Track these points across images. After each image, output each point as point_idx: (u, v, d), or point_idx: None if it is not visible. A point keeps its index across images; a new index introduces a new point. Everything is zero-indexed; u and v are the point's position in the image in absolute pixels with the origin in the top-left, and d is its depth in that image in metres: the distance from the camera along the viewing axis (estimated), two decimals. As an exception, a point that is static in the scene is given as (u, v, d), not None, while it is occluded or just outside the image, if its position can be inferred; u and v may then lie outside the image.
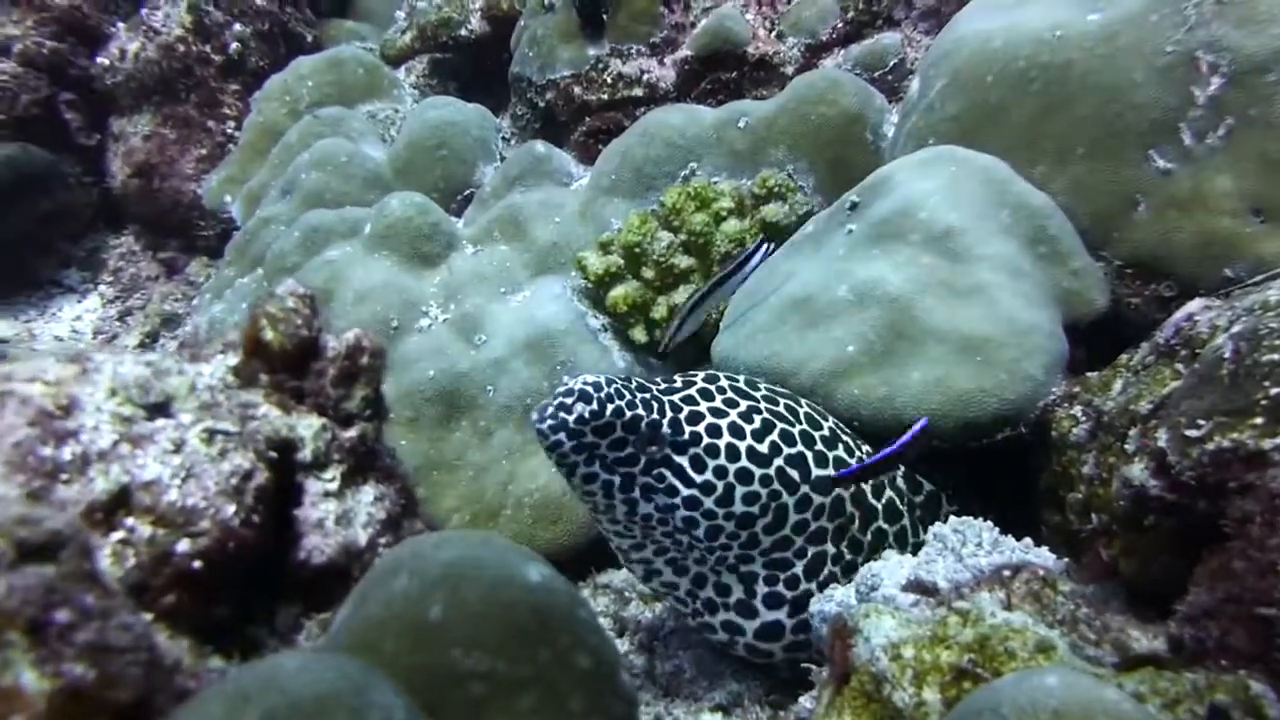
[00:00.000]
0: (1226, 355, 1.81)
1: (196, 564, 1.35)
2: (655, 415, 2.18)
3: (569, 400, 2.09)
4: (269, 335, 1.52)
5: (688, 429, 2.21)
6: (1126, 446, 2.07)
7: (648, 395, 2.20)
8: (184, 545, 1.34)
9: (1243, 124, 2.55)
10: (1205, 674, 1.43)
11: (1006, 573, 1.80)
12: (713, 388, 2.35)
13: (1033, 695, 1.15)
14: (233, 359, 1.53)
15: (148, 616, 1.30)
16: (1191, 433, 1.77)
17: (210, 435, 1.40)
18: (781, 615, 2.35)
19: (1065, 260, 2.66)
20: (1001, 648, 1.61)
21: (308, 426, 1.52)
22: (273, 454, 1.47)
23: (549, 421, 2.08)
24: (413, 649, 1.07)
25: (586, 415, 2.07)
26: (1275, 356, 1.69)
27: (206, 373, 1.49)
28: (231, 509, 1.38)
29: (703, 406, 2.28)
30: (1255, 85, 2.53)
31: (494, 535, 1.17)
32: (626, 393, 2.15)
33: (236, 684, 0.91)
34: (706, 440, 2.22)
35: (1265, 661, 1.45)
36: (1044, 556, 2.04)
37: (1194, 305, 2.19)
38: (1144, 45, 2.70)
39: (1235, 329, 1.88)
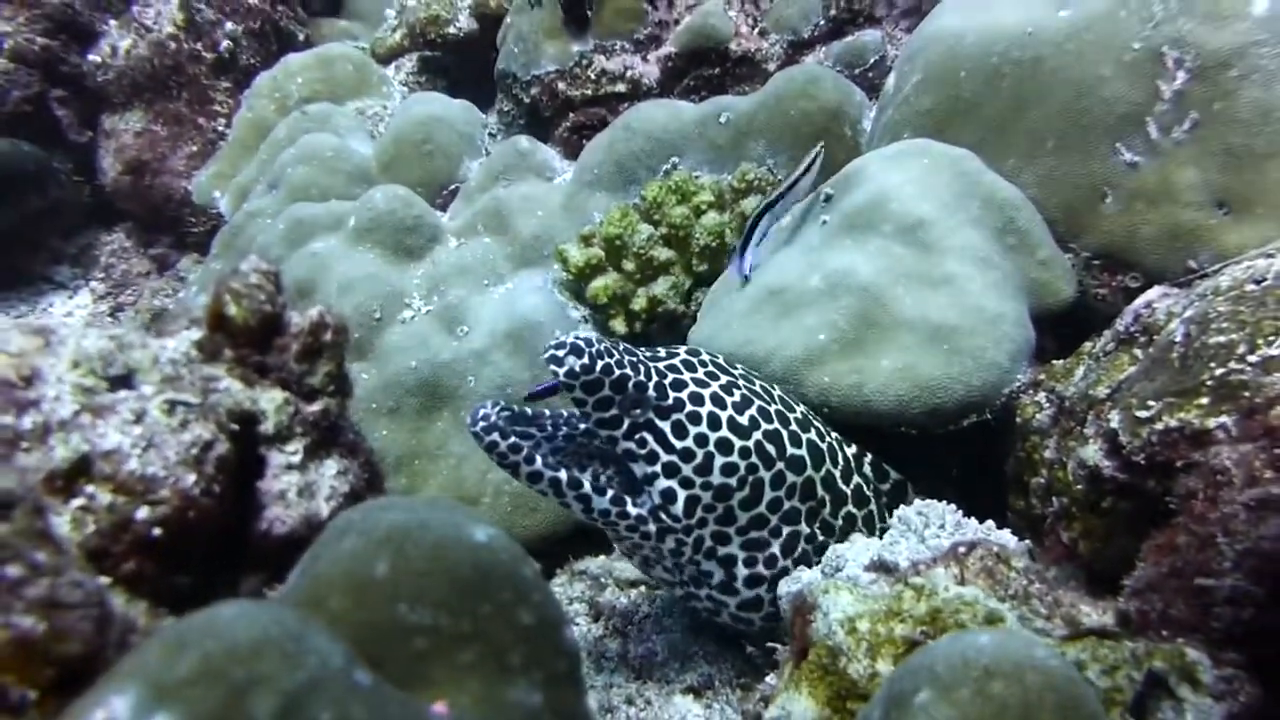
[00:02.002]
0: (1177, 339, 1.85)
1: (156, 531, 1.37)
2: (641, 377, 2.20)
3: (560, 353, 2.10)
4: (232, 310, 1.55)
5: (672, 395, 2.24)
6: (1085, 431, 2.10)
7: (634, 359, 2.23)
8: (144, 513, 1.37)
9: (1206, 118, 2.58)
10: (1144, 643, 1.46)
11: (962, 549, 1.83)
12: (695, 360, 2.39)
13: (965, 653, 1.18)
14: (196, 333, 1.56)
15: (107, 581, 1.33)
16: (1142, 413, 1.80)
17: (171, 406, 1.43)
18: (761, 591, 2.38)
19: (1033, 251, 2.69)
20: (953, 620, 1.64)
21: (270, 400, 1.55)
22: (234, 426, 1.49)
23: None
24: (358, 604, 1.10)
25: (577, 369, 2.09)
26: (1222, 339, 1.73)
27: (170, 346, 1.52)
28: (192, 478, 1.41)
29: (686, 376, 2.30)
30: (1218, 80, 2.57)
31: (442, 498, 1.20)
32: (615, 352, 2.18)
33: (175, 631, 0.94)
34: (690, 407, 2.24)
35: (1203, 630, 1.48)
36: (1003, 537, 2.08)
37: (1153, 293, 2.23)
38: (1112, 41, 2.73)
39: (1187, 313, 1.92)
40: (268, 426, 1.53)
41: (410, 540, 1.14)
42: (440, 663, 1.09)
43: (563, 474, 2.16)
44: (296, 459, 1.55)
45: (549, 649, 1.14)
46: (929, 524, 2.16)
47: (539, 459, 2.14)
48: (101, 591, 1.14)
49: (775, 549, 2.37)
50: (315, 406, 1.59)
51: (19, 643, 1.01)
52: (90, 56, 5.47)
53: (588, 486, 2.19)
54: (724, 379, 2.36)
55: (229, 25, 5.46)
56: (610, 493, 2.21)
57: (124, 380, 1.45)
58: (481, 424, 2.12)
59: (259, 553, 1.52)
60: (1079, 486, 2.03)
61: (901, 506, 2.22)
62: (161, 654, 0.93)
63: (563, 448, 2.33)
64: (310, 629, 0.97)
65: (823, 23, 4.05)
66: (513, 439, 2.13)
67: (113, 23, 5.52)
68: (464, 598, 1.10)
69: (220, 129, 5.44)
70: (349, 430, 1.68)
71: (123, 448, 1.38)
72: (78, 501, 1.34)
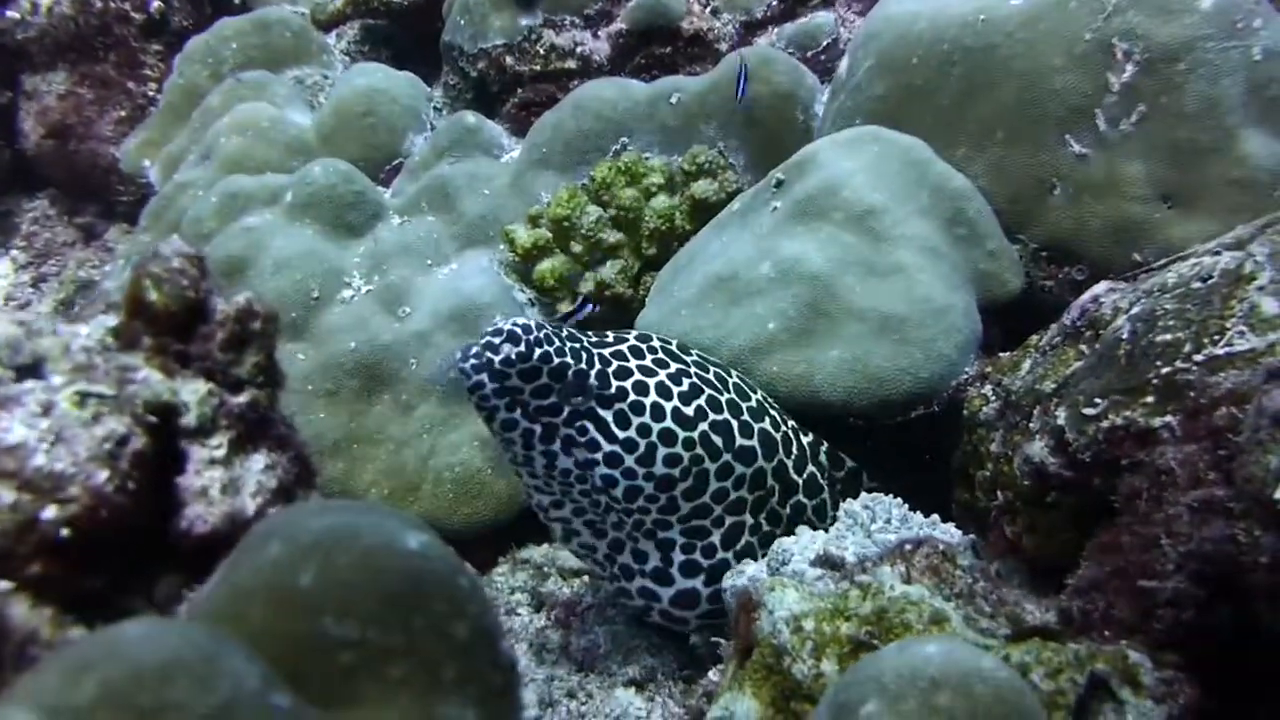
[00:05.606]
0: (1124, 336, 1.85)
1: (65, 532, 1.29)
2: (583, 365, 2.14)
3: (496, 340, 2.04)
4: (152, 295, 1.46)
5: (615, 383, 2.19)
6: (1031, 425, 2.11)
7: (577, 345, 2.17)
8: (51, 512, 1.28)
9: (1154, 111, 2.60)
10: (1087, 644, 1.46)
11: (908, 547, 1.82)
12: (644, 346, 2.34)
13: (912, 663, 1.16)
14: (113, 320, 1.46)
15: (9, 585, 1.24)
16: (1088, 411, 1.80)
17: (83, 398, 1.34)
18: (697, 583, 2.35)
19: (982, 242, 2.69)
20: (898, 620, 1.63)
21: (192, 391, 1.46)
22: (152, 419, 1.40)
23: (472, 361, 2.04)
24: (281, 617, 1.04)
25: (513, 357, 2.03)
26: (1168, 337, 1.73)
27: (83, 333, 1.42)
28: (104, 475, 1.32)
29: (632, 363, 2.25)
30: (1166, 73, 2.58)
31: (375, 503, 1.13)
32: (556, 339, 2.11)
33: (77, 652, 0.87)
34: (633, 397, 2.20)
35: (1145, 631, 1.49)
36: (949, 532, 2.07)
37: (1099, 288, 2.23)
38: (1063, 31, 2.73)
39: (1134, 310, 1.92)
40: (189, 419, 1.44)
41: (338, 548, 1.07)
42: (368, 678, 1.03)
43: (537, 427, 2.13)
44: (220, 453, 1.47)
45: (485, 663, 1.09)
46: (875, 518, 2.14)
47: (517, 410, 2.10)
48: (-1, 603, 1.06)
49: (715, 538, 2.35)
50: (242, 398, 1.50)
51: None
52: (8, 12, 5.19)
53: (557, 444, 2.16)
54: (673, 367, 2.31)
55: (160, -15, 5.22)
56: (575, 456, 2.18)
57: (32, 370, 1.35)
58: (473, 362, 2.04)
59: (178, 553, 1.44)
60: (1024, 482, 2.04)
61: (848, 500, 2.21)
62: (60, 678, 0.85)
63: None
64: (224, 648, 0.90)
65: (775, 3, 4.00)
66: (498, 385, 2.07)
67: (32, -23, 5.23)
68: (395, 610, 1.04)
69: (151, 94, 5.22)
70: (279, 423, 1.60)
71: (28, 443, 1.28)
72: (-23, 501, 1.25)
